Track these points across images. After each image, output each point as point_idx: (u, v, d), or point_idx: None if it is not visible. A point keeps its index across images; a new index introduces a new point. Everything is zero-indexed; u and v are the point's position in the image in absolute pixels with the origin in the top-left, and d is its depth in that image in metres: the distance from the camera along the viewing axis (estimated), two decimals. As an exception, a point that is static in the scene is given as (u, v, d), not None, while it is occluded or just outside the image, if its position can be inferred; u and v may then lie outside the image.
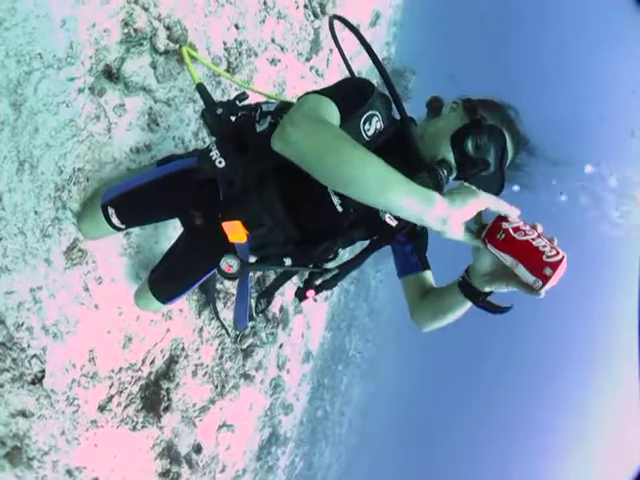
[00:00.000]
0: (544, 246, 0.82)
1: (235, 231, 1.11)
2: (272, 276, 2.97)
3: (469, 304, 1.03)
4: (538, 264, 0.81)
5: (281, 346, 3.90)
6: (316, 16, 4.02)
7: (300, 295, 1.22)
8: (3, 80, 1.34)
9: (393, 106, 1.08)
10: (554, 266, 0.80)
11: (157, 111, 2.11)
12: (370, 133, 1.03)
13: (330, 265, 1.23)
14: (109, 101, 1.83)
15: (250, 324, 3.01)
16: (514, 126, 1.05)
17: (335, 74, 4.44)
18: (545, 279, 0.81)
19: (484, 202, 0.82)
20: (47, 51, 1.49)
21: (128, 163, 1.90)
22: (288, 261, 1.15)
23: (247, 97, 1.35)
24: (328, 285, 1.22)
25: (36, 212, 1.48)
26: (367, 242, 1.22)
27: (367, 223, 1.12)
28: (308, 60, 3.96)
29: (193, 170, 1.24)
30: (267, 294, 1.32)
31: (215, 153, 1.13)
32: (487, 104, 1.08)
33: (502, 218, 0.86)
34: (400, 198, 0.77)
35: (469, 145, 1.00)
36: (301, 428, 4.81)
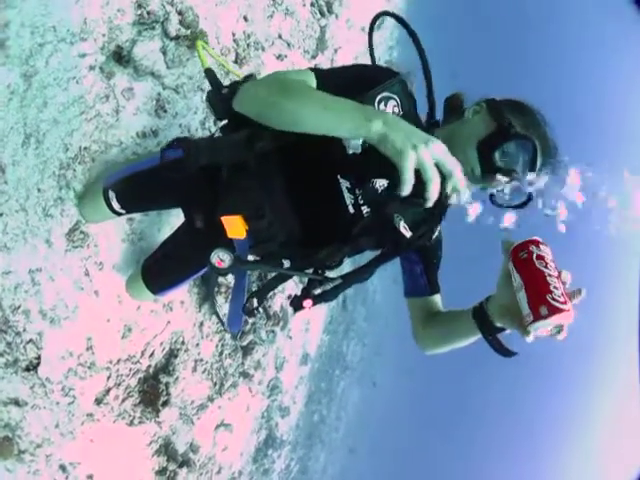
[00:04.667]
0: (556, 288, 0.76)
1: (234, 226, 1.03)
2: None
3: (477, 335, 0.96)
4: (538, 298, 0.76)
5: (279, 346, 3.83)
6: (322, 14, 4.01)
7: (296, 304, 1.11)
8: (16, 49, 1.31)
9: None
10: (553, 310, 0.74)
11: (165, 97, 2.07)
12: None
13: (332, 274, 1.12)
14: (118, 84, 1.79)
15: (250, 321, 2.94)
16: (544, 133, 0.97)
17: (339, 75, 4.42)
18: (536, 316, 0.75)
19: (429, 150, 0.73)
20: (61, 25, 1.45)
21: (134, 147, 1.85)
22: (287, 263, 1.06)
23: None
24: (328, 296, 1.10)
25: (39, 189, 1.42)
26: (375, 253, 1.13)
27: (379, 230, 1.04)
28: (314, 57, 3.94)
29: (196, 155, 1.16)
30: (259, 294, 1.22)
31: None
32: (513, 107, 0.99)
33: (534, 242, 0.82)
34: (339, 130, 0.80)
35: (497, 156, 0.92)
36: (297, 431, 4.72)
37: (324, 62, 4.12)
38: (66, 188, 1.52)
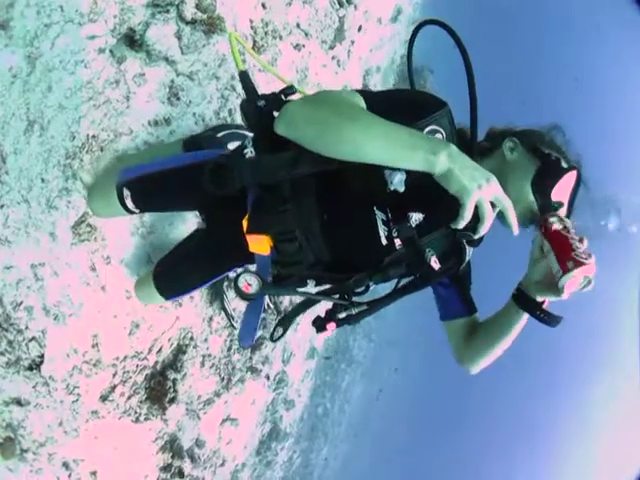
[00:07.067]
0: (578, 247, 0.90)
1: (259, 241, 0.99)
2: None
3: (523, 321, 1.02)
4: (565, 255, 0.90)
5: (287, 340, 3.79)
6: (341, 4, 3.88)
7: (319, 326, 1.10)
8: (20, 30, 1.22)
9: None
10: (578, 263, 0.88)
11: (179, 84, 1.98)
12: None
13: (358, 299, 1.11)
14: (129, 69, 1.71)
15: (261, 316, 2.88)
16: (577, 156, 1.03)
17: (355, 66, 4.31)
18: (565, 270, 0.88)
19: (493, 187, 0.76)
20: (69, 5, 1.36)
21: (145, 136, 1.77)
22: (311, 284, 1.05)
23: (295, 92, 1.18)
24: (352, 320, 1.10)
25: (43, 180, 1.35)
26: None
27: (409, 261, 1.03)
28: (331, 48, 3.83)
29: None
30: (286, 322, 1.19)
31: (250, 151, 1.00)
32: (544, 138, 1.03)
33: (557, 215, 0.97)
34: (404, 163, 0.78)
35: (554, 193, 0.98)
36: (301, 424, 4.70)
37: (341, 54, 4.00)
38: (72, 178, 1.44)
